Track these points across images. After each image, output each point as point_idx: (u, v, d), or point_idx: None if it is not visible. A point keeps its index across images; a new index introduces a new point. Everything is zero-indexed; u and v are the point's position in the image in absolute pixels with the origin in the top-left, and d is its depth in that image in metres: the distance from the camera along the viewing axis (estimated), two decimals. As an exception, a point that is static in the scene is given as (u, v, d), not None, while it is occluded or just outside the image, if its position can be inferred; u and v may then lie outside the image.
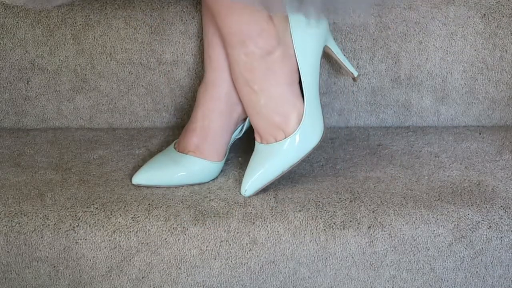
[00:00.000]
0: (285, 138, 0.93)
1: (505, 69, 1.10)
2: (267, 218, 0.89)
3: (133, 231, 0.88)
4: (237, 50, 0.92)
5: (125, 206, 0.91)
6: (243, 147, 1.05)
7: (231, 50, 0.92)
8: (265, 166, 0.93)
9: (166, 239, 0.88)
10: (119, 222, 0.89)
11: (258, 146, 0.95)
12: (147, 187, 0.95)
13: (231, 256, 0.89)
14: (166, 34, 1.09)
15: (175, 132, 1.11)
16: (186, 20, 1.09)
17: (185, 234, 0.88)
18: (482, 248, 0.89)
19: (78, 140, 1.09)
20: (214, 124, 0.97)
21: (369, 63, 1.10)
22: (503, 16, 1.09)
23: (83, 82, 1.11)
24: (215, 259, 0.89)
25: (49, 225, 0.89)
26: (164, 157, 0.98)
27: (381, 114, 1.13)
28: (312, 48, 0.94)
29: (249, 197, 0.93)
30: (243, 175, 0.96)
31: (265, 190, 0.94)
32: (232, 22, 0.90)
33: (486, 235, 0.89)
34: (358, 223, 0.89)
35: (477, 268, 0.90)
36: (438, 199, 0.92)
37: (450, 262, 0.89)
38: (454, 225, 0.89)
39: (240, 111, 0.98)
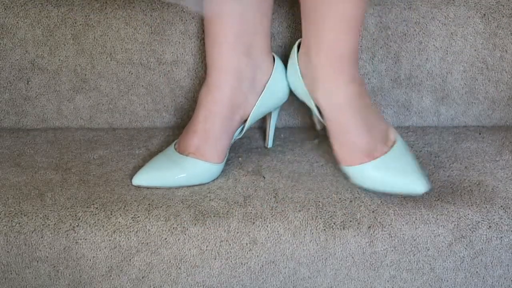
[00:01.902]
0: None
1: (505, 69, 1.10)
2: (267, 218, 0.90)
3: (133, 231, 0.89)
4: None
5: (125, 206, 0.91)
6: (243, 147, 1.05)
7: None
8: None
9: (166, 239, 0.88)
10: (119, 222, 0.89)
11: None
12: (147, 188, 0.95)
13: (231, 256, 0.89)
14: (166, 34, 1.09)
15: (175, 132, 1.11)
16: (186, 20, 1.09)
17: (185, 234, 0.88)
18: (482, 248, 0.89)
19: (78, 140, 1.09)
20: (215, 127, 0.97)
21: (369, 63, 1.10)
22: (503, 16, 1.09)
23: (83, 82, 1.11)
24: (215, 259, 0.89)
25: (49, 225, 0.89)
26: (164, 158, 0.98)
27: (381, 114, 1.13)
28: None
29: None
30: (243, 175, 0.96)
31: (265, 190, 0.94)
32: None
33: (486, 235, 0.89)
34: (358, 223, 0.89)
35: (477, 268, 0.90)
36: (438, 199, 0.92)
37: (450, 262, 0.89)
38: (454, 225, 0.89)
39: (242, 113, 0.98)
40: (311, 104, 0.98)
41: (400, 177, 0.89)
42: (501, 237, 0.89)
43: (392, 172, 0.90)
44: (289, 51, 1.09)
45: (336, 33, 0.92)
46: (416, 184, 0.88)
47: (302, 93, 0.98)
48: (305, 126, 1.13)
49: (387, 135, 0.95)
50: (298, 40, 1.00)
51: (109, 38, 1.09)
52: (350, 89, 0.93)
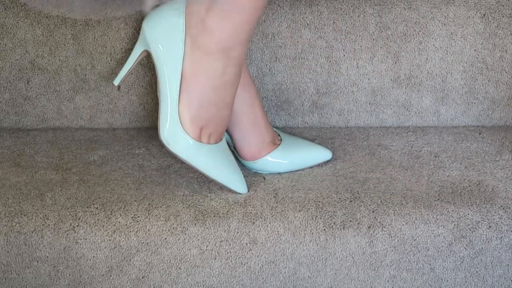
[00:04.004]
0: None
1: (505, 69, 1.10)
2: (267, 218, 0.90)
3: (133, 231, 0.89)
4: None
5: (125, 206, 0.91)
6: (243, 147, 1.05)
7: None
8: None
9: (166, 239, 0.88)
10: (119, 222, 0.89)
11: None
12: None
13: (231, 256, 0.89)
14: (166, 34, 1.09)
15: (175, 132, 1.11)
16: (186, 20, 1.08)
17: (185, 234, 0.88)
18: (482, 248, 0.89)
19: (78, 140, 1.09)
20: None
21: (369, 63, 1.10)
22: (503, 16, 1.09)
23: (83, 82, 1.11)
24: (215, 259, 0.89)
25: (49, 225, 0.89)
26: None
27: (381, 114, 1.13)
28: None
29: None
30: (243, 175, 0.96)
31: (265, 189, 0.94)
32: None
33: (486, 235, 0.89)
34: (358, 223, 0.89)
35: (477, 268, 0.90)
36: (438, 199, 0.92)
37: (450, 262, 0.89)
38: (454, 225, 0.89)
39: None
40: None
41: (307, 152, 1.00)
42: (501, 237, 0.89)
43: (298, 151, 1.00)
44: (289, 51, 1.09)
45: None
46: (324, 152, 1.00)
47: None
48: (305, 126, 1.13)
49: None
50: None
51: (109, 38, 1.09)
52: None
